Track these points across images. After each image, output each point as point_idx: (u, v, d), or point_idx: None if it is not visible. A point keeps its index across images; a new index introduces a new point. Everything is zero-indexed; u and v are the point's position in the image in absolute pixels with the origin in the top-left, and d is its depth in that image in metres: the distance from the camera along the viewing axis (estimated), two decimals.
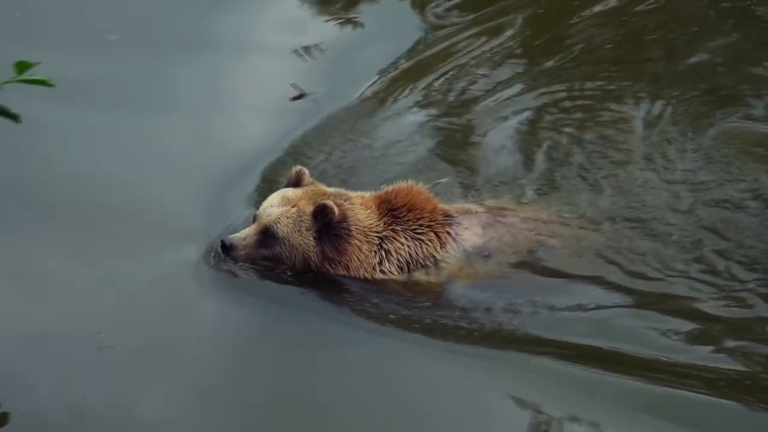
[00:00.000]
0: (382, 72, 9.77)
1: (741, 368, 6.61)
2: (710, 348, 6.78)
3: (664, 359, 6.66)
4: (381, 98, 9.39)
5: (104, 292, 7.10)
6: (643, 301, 7.13)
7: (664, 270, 7.34)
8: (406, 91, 9.48)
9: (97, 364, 6.56)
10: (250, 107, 9.06)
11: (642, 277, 7.31)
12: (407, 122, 9.06)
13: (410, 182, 7.44)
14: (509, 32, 10.28)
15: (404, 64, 9.87)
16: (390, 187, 7.42)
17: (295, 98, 9.27)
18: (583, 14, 10.44)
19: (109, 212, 7.71)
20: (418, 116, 9.16)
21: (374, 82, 9.58)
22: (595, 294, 7.20)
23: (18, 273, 7.12)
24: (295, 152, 8.46)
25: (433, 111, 9.27)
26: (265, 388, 6.55)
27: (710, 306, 7.09)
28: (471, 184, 8.22)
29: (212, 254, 7.35)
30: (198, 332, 6.92)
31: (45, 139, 8.17)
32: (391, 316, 7.03)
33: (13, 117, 5.03)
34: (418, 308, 7.11)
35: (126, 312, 6.97)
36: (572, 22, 10.37)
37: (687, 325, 6.93)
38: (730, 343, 6.80)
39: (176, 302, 7.10)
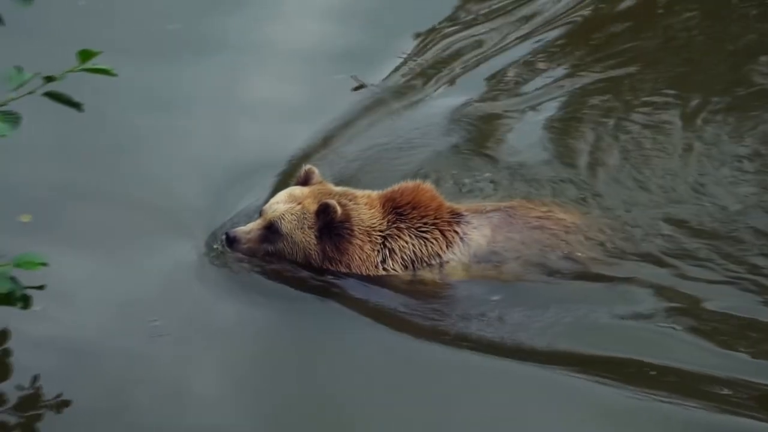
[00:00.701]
0: (409, 61, 9.76)
1: None
2: (747, 356, 6.64)
3: (690, 370, 6.56)
4: (408, 89, 9.39)
5: (136, 281, 7.34)
6: (670, 308, 6.98)
7: (693, 274, 7.20)
8: (433, 82, 9.47)
9: (151, 351, 6.76)
10: (273, 105, 9.18)
11: (669, 281, 7.17)
12: (434, 113, 9.04)
13: (417, 181, 7.44)
14: (543, 19, 10.14)
15: (430, 53, 9.81)
16: (396, 186, 7.43)
17: (356, 89, 9.41)
18: (627, 5, 10.19)
19: (138, 206, 7.94)
20: (446, 108, 9.11)
21: (400, 73, 9.58)
22: (614, 301, 7.04)
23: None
24: (315, 148, 8.55)
25: (465, 101, 9.19)
26: (273, 383, 6.68)
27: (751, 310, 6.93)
28: (500, 180, 8.16)
29: (215, 246, 7.50)
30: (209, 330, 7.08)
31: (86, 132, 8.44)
32: (395, 314, 7.08)
33: (76, 105, 5.10)
34: (422, 307, 7.12)
35: (156, 301, 7.21)
36: (616, 12, 10.14)
37: (718, 332, 6.79)
38: None
39: (195, 294, 7.27)
